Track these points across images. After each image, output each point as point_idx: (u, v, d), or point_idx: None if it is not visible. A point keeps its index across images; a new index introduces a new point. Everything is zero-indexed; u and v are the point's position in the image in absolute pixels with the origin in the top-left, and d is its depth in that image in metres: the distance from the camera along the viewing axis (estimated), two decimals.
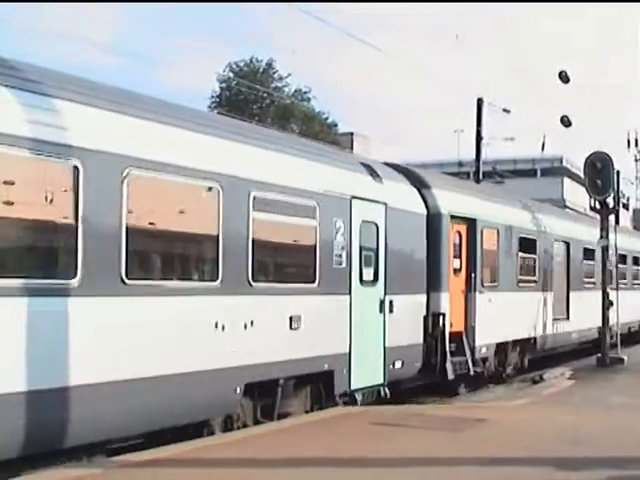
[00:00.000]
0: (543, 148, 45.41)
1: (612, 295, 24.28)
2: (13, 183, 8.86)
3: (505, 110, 38.42)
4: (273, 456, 10.62)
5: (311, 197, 13.54)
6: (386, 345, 15.54)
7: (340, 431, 12.56)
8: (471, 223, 19.00)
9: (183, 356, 10.79)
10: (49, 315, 9.03)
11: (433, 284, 17.36)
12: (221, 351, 11.47)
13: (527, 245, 22.16)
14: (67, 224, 9.33)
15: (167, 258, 11.12)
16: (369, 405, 15.25)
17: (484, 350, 19.47)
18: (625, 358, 23.99)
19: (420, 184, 17.79)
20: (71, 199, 9.35)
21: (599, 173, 23.75)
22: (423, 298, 17.10)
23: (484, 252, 19.48)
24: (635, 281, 34.07)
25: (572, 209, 61.97)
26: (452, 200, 18.50)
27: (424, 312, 17.13)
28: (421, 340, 17.03)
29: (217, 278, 11.47)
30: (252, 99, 64.01)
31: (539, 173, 74.19)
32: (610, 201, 24.33)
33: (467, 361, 18.42)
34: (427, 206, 17.51)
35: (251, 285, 12.07)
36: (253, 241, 12.09)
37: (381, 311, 15.42)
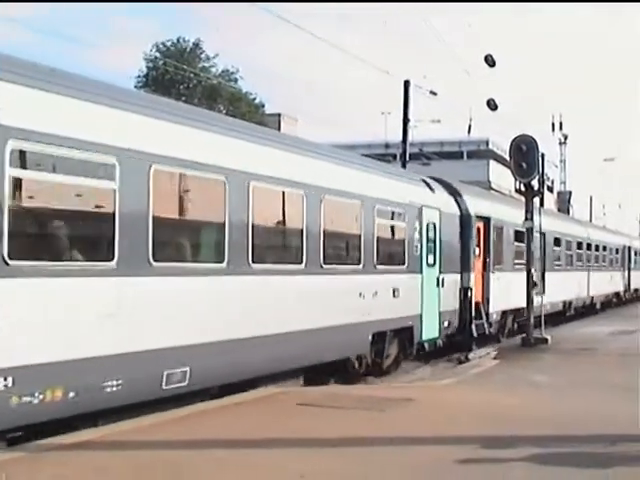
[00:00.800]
0: (469, 131, 45.92)
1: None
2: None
3: (432, 92, 38.59)
4: (199, 437, 10.59)
5: (402, 207, 19.23)
6: (440, 310, 21.29)
7: (266, 412, 12.56)
8: (487, 221, 24.92)
9: (341, 313, 16.19)
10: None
11: (464, 266, 22.98)
12: (362, 311, 17.01)
13: (518, 236, 27.20)
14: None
15: (341, 250, 16.92)
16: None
17: (495, 316, 25.41)
18: (549, 338, 24.39)
19: (454, 193, 23.51)
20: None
21: (524, 156, 24.00)
22: (458, 276, 22.60)
23: (494, 242, 25.45)
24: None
25: (498, 191, 62.69)
26: (476, 204, 24.35)
27: (459, 286, 22.72)
28: (458, 307, 22.68)
29: (360, 263, 17.02)
30: (179, 79, 63.46)
31: (465, 155, 74.77)
32: (535, 183, 24.59)
33: (484, 324, 23.98)
34: (460, 209, 23.29)
35: (375, 267, 17.61)
36: (378, 239, 17.73)
37: (437, 285, 21.14)
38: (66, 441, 9.99)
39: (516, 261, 27.25)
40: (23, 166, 9.72)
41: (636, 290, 56.02)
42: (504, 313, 26.56)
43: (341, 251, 16.92)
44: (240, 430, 11.15)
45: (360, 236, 17.06)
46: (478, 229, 24.35)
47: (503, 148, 66.36)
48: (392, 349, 19.22)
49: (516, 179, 24.48)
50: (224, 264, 12.79)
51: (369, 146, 63.08)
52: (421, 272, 20.22)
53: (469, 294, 23.17)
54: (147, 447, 10.00)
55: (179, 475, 8.91)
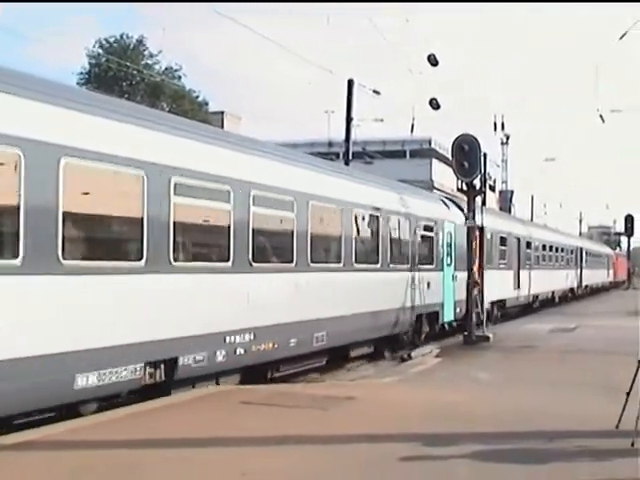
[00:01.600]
0: (412, 130, 45.92)
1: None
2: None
3: (375, 92, 38.67)
4: (142, 436, 10.53)
5: (433, 222, 25.64)
6: (455, 299, 27.18)
7: (210, 410, 12.53)
8: (481, 230, 28.65)
9: (400, 300, 22.34)
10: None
11: (468, 265, 26.23)
12: (411, 296, 23.23)
13: (502, 240, 35.20)
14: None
15: (399, 254, 22.93)
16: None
17: (487, 305, 30.41)
18: (491, 336, 24.64)
19: (460, 208, 28.47)
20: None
21: (466, 155, 24.17)
22: (465, 273, 26.28)
23: (487, 246, 31.44)
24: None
25: (440, 190, 63.10)
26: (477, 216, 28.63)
27: (465, 281, 26.36)
28: (464, 297, 26.51)
29: (409, 263, 23.41)
30: (122, 76, 62.89)
31: (408, 154, 75.12)
32: (477, 183, 24.78)
33: (479, 312, 27.11)
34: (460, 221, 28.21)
35: (418, 267, 23.96)
36: (419, 245, 24.25)
37: (453, 280, 27.10)
38: (7, 441, 9.88)
39: (500, 261, 34.89)
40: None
41: (586, 286, 64.07)
42: (492, 304, 32.78)
43: (399, 255, 22.91)
44: (183, 429, 11.11)
45: (409, 244, 23.66)
46: (476, 236, 27.86)
47: (445, 147, 66.90)
48: (425, 327, 24.95)
49: (458, 178, 24.63)
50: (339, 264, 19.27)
51: (312, 144, 63.07)
52: (443, 270, 26.56)
53: (471, 287, 27.03)
54: (89, 447, 9.93)
55: (120, 475, 8.85)
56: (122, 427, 11.08)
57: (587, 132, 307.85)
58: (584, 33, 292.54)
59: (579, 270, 60.24)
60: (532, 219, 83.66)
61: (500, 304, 34.24)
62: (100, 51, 64.86)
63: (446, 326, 27.01)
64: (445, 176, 58.68)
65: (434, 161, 73.69)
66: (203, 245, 14.69)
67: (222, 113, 58.10)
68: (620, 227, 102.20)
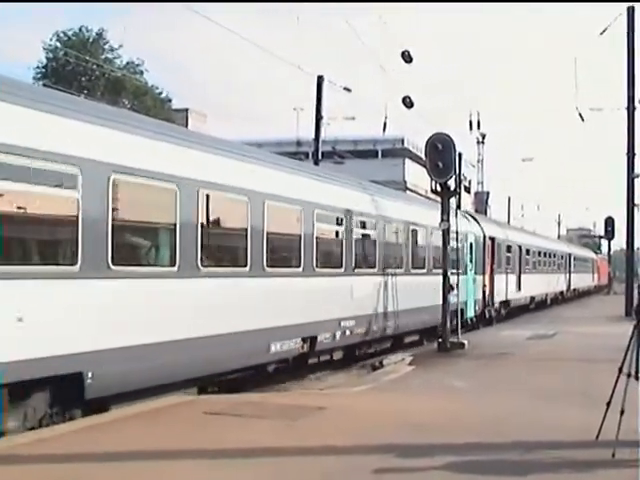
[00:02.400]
0: (384, 129, 45.97)
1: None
2: None
3: (346, 89, 38.73)
4: (101, 449, 10.46)
5: (462, 234, 29.34)
6: (475, 298, 33.81)
7: (172, 422, 12.47)
8: (493, 239, 37.57)
9: (437, 298, 24.84)
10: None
11: (484, 270, 35.06)
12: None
13: (508, 248, 42.08)
14: None
15: (435, 259, 27.58)
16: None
17: (497, 305, 38.51)
18: (465, 343, 24.68)
19: (477, 221, 36.59)
20: None
21: (440, 155, 24.16)
22: (482, 277, 34.38)
23: (497, 253, 38.67)
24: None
25: (413, 191, 63.27)
26: (488, 228, 37.84)
27: (481, 283, 34.31)
28: (481, 297, 34.83)
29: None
30: (81, 71, 62.53)
31: (380, 154, 75.30)
32: (452, 184, 24.80)
33: (491, 310, 36.04)
34: (482, 232, 36.07)
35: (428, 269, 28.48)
36: (457, 253, 27.65)
37: (473, 283, 33.39)
38: None
39: (506, 266, 41.38)
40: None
41: (574, 290, 71.45)
42: (500, 303, 39.60)
43: (437, 261, 26.96)
44: (145, 441, 11.04)
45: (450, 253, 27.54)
46: (489, 245, 36.55)
47: (419, 147, 67.12)
48: (454, 321, 26.87)
49: (432, 179, 24.59)
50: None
51: (279, 144, 63.19)
52: (466, 274, 31.94)
53: (487, 289, 35.88)
54: (45, 460, 9.83)
55: None
56: (82, 438, 11.00)
57: (566, 131, 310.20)
58: (563, 29, 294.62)
59: (568, 274, 67.34)
60: (509, 221, 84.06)
61: (506, 304, 41.36)
62: (58, 44, 64.47)
63: (469, 320, 33.23)
64: (419, 177, 58.85)
65: (407, 161, 73.96)
66: (332, 254, 20.91)
67: (186, 110, 57.98)
68: (600, 230, 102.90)
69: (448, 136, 24.55)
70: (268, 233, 17.16)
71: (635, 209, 43.39)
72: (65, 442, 10.78)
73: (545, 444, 11.06)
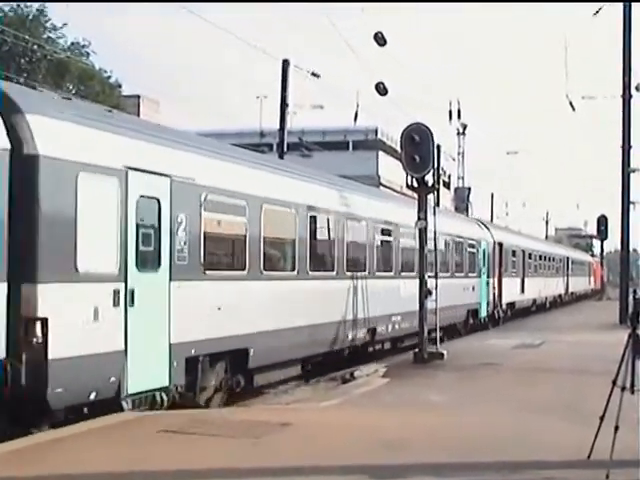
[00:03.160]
0: (356, 118, 46.11)
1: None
2: None
3: (314, 74, 38.71)
4: (46, 471, 10.40)
5: (476, 241, 38.95)
6: (488, 300, 40.54)
7: (123, 440, 12.42)
8: (501, 245, 44.57)
9: (460, 298, 35.42)
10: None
11: (494, 273, 41.94)
12: (464, 298, 36.30)
13: (513, 253, 49.09)
14: None
15: (460, 264, 36.39)
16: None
17: (504, 306, 44.68)
18: (445, 353, 24.73)
19: (487, 228, 43.55)
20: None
21: (417, 147, 24.15)
22: (492, 280, 41.10)
23: (504, 258, 45.24)
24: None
25: (387, 187, 63.35)
26: (496, 235, 44.42)
27: (492, 286, 41.14)
28: (492, 298, 41.51)
29: (464, 271, 36.32)
30: (19, 52, 62.02)
31: (351, 146, 75.30)
32: (429, 179, 24.84)
33: (500, 311, 43.22)
34: (493, 238, 42.85)
35: (469, 274, 37.24)
36: (471, 258, 38.39)
37: (486, 285, 40.20)
38: None
39: (512, 270, 48.10)
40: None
41: (572, 293, 78.39)
42: (507, 305, 45.97)
43: (460, 265, 35.78)
44: (94, 461, 10.97)
45: (466, 257, 37.35)
46: (497, 250, 43.80)
47: (394, 138, 67.20)
48: (470, 320, 37.38)
49: (408, 173, 24.57)
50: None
51: (241, 134, 62.97)
52: (480, 277, 39.59)
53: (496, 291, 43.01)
54: None
55: None
56: (24, 459, 10.93)
57: (556, 122, 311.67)
58: (553, 10, 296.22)
59: (566, 278, 74.51)
60: (492, 220, 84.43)
61: (512, 305, 47.61)
62: None
63: (481, 319, 39.96)
64: (393, 171, 58.95)
65: (381, 154, 74.00)
66: (388, 260, 27.63)
67: (138, 97, 57.71)
68: (592, 229, 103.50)
69: (426, 127, 24.56)
70: (347, 243, 23.78)
71: (631, 207, 43.51)
72: (8, 463, 10.71)
73: (531, 464, 11.12)
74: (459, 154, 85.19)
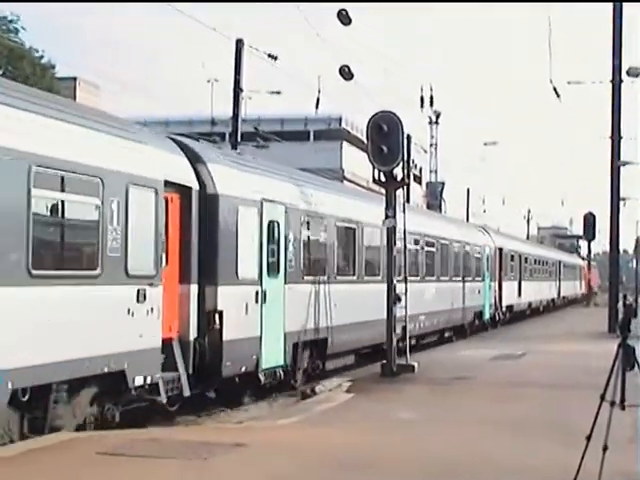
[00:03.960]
0: (317, 105, 45.99)
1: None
2: None
3: (271, 56, 38.55)
4: None
5: (481, 247, 47.15)
6: (490, 302, 48.21)
7: (57, 464, 12.30)
8: (501, 250, 51.52)
9: (468, 300, 42.78)
10: None
11: (495, 277, 49.48)
12: (473, 300, 44.02)
13: (512, 257, 56.05)
14: None
15: (471, 269, 44.61)
16: (132, 427, 15.11)
17: (504, 309, 51.39)
18: (415, 365, 24.74)
19: (489, 233, 51.52)
20: None
21: (385, 138, 24.14)
22: (495, 283, 49.02)
23: (504, 262, 52.35)
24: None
25: (352, 182, 63.40)
26: (497, 240, 51.94)
27: (494, 289, 49.19)
28: (493, 302, 48.88)
29: (471, 276, 43.93)
30: None
31: (312, 136, 75.37)
32: (398, 172, 24.84)
33: (500, 313, 50.21)
34: (494, 244, 50.30)
35: (475, 279, 45.04)
36: (477, 264, 46.53)
37: (489, 289, 47.84)
38: None
39: (510, 274, 54.82)
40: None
41: (564, 297, 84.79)
42: (506, 307, 52.80)
43: (471, 270, 43.32)
44: None
45: (473, 262, 44.09)
46: (498, 255, 51.00)
47: (360, 127, 67.25)
48: (475, 321, 44.36)
49: (375, 167, 24.56)
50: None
51: (190, 123, 62.87)
52: (484, 280, 46.24)
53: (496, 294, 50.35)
54: None
55: None
56: None
57: (538, 111, 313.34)
58: None
59: (558, 282, 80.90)
60: (468, 218, 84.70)
61: (510, 308, 54.18)
62: None
63: (485, 321, 46.98)
64: (359, 163, 58.95)
65: (345, 145, 74.08)
66: (417, 265, 34.94)
67: (74, 79, 57.44)
68: (578, 228, 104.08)
69: (395, 115, 24.56)
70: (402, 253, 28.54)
71: (621, 204, 43.53)
72: None
73: None
74: (431, 145, 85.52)
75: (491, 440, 14.62)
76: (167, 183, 17.53)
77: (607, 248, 48.17)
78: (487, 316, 47.10)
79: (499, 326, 49.13)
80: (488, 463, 12.73)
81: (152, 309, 16.75)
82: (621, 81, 41.95)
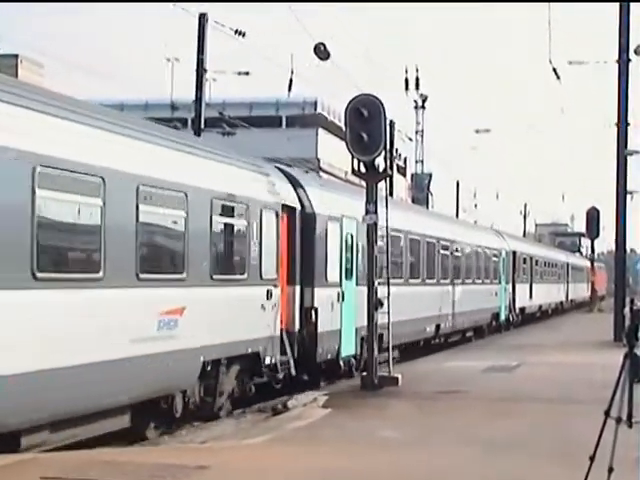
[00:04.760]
0: (290, 88, 45.95)
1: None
2: None
3: (238, 32, 38.49)
4: None
5: (497, 250, 54.53)
6: (505, 304, 55.77)
7: None
8: (514, 253, 58.89)
9: (485, 302, 50.67)
10: None
11: (509, 280, 57.10)
12: (489, 302, 52.11)
13: (524, 260, 63.07)
14: None
15: (483, 272, 51.54)
16: (59, 450, 15.07)
17: (518, 310, 59.24)
18: (399, 377, 24.76)
19: (503, 237, 59.20)
20: None
21: (365, 124, 24.14)
22: (510, 285, 56.88)
23: (517, 264, 59.74)
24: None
25: (329, 173, 63.39)
26: (511, 244, 59.57)
27: (509, 291, 57.06)
28: (507, 304, 56.31)
29: (489, 278, 51.78)
30: None
31: (285, 122, 75.27)
32: (380, 163, 24.82)
33: (513, 315, 57.78)
34: (508, 246, 58.37)
35: (493, 281, 53.14)
36: (494, 268, 54.50)
37: (505, 291, 55.57)
38: None
39: (522, 276, 61.45)
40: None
41: (572, 300, 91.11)
42: (519, 309, 59.73)
43: (489, 273, 51.00)
44: None
45: (491, 266, 51.92)
46: (511, 258, 57.26)
47: (337, 113, 67.27)
48: (492, 322, 51.39)
49: (354, 156, 24.53)
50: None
51: (148, 106, 62.78)
52: (501, 283, 53.14)
53: (510, 297, 56.99)
54: None
55: None
56: None
57: (536, 95, 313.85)
58: None
59: (567, 285, 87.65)
60: (457, 214, 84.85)
61: (522, 310, 61.12)
62: None
63: (501, 322, 53.99)
64: (336, 153, 58.93)
65: (321, 132, 74.01)
66: (446, 268, 42.39)
67: (16, 57, 57.16)
68: (580, 225, 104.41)
69: (376, 98, 24.56)
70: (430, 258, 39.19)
71: (628, 197, 43.27)
72: None
73: None
74: (417, 133, 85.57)
75: (483, 462, 14.62)
76: (282, 206, 24.28)
77: (612, 247, 48.07)
78: (503, 317, 54.56)
79: (511, 328, 56.17)
80: None
81: (275, 305, 23.38)
82: (629, 60, 41.53)
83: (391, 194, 29.95)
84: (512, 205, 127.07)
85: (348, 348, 28.17)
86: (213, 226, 20.50)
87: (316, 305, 25.48)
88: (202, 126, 38.04)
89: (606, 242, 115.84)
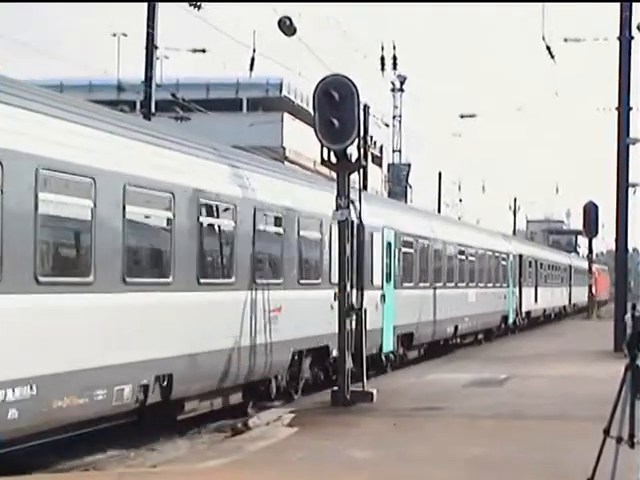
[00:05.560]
0: (252, 67, 45.91)
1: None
2: None
3: (194, 4, 38.35)
4: None
5: (505, 254, 61.72)
6: (513, 307, 63.78)
7: None
8: (521, 256, 66.72)
9: (493, 305, 56.97)
10: None
11: (516, 283, 64.97)
12: (498, 305, 59.09)
13: (530, 263, 70.84)
14: None
15: (493, 276, 59.04)
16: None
17: (524, 314, 67.57)
18: (374, 392, 24.76)
19: (508, 240, 68.39)
20: None
21: (336, 108, 24.09)
22: (517, 289, 64.65)
23: (523, 268, 67.70)
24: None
25: (296, 164, 63.32)
26: (517, 247, 68.29)
27: (516, 294, 65.22)
28: (515, 307, 64.55)
29: (498, 282, 59.18)
30: None
31: (246, 106, 75.16)
32: (353, 152, 24.77)
33: (520, 318, 66.02)
34: (515, 250, 66.62)
35: (502, 285, 60.71)
36: (502, 271, 61.61)
37: (512, 294, 63.14)
38: None
39: (528, 279, 67.93)
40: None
41: (574, 305, 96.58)
42: (525, 313, 67.08)
43: (499, 277, 58.59)
44: None
45: (500, 269, 59.16)
46: (518, 262, 64.15)
47: (305, 95, 67.23)
48: (502, 324, 59.53)
49: (323, 145, 24.45)
50: None
51: (91, 87, 62.59)
52: (509, 286, 60.81)
53: (517, 300, 64.53)
54: None
55: None
56: None
57: (527, 76, 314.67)
58: None
59: (569, 288, 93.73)
60: (439, 209, 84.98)
61: (528, 314, 68.14)
62: None
63: (509, 323, 60.84)
64: (304, 140, 58.79)
65: (286, 117, 73.82)
66: (457, 272, 48.72)
67: None
68: (577, 222, 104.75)
69: (348, 79, 24.51)
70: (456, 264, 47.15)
71: (630, 191, 42.92)
72: None
73: None
74: (394, 118, 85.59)
75: None
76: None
77: (612, 246, 48.01)
78: (511, 320, 61.79)
79: (517, 332, 63.41)
80: None
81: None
82: (631, 37, 41.32)
83: (365, 187, 29.91)
84: (500, 199, 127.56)
85: (388, 345, 34.48)
86: (300, 238, 27.66)
87: (365, 305, 28.59)
88: (153, 110, 37.81)
89: (605, 240, 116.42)
